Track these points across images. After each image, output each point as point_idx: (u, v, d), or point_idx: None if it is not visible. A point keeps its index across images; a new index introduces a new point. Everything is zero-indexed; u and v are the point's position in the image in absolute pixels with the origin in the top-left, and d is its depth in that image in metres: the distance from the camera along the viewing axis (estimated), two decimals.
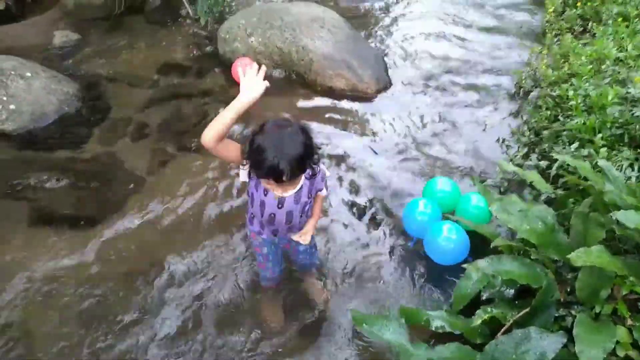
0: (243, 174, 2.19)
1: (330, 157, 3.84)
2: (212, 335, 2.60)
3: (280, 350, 2.55)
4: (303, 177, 2.18)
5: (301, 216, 2.33)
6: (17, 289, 2.83)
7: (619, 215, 2.11)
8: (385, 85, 4.69)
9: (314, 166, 2.09)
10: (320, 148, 2.18)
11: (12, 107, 4.02)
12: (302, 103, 4.51)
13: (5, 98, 4.03)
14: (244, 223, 3.23)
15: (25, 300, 2.78)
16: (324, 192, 2.34)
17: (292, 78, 4.83)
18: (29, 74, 4.27)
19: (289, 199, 2.21)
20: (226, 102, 4.37)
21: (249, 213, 2.43)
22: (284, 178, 1.90)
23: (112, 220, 3.29)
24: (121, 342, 2.57)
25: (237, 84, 1.99)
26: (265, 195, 2.20)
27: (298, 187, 2.20)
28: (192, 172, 3.68)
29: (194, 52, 5.31)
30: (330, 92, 4.63)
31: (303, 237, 2.33)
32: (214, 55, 5.20)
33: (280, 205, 2.22)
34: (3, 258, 3.00)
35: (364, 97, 4.58)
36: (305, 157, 1.97)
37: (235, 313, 2.72)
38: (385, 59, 5.10)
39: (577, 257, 2.04)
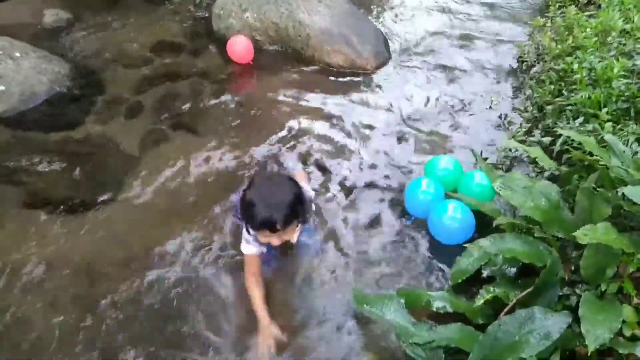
0: (254, 250, 2.43)
1: (328, 135, 3.76)
2: (210, 317, 2.55)
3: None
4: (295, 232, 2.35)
5: None
6: (11, 273, 2.78)
7: (626, 190, 2.04)
8: (384, 60, 4.57)
9: (306, 215, 2.29)
10: (312, 202, 2.40)
11: (1, 88, 3.92)
12: (299, 80, 4.41)
13: None
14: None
15: (19, 283, 2.73)
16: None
17: (288, 54, 4.71)
18: (18, 54, 4.16)
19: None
20: (221, 81, 4.33)
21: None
22: (278, 227, 2.06)
23: (107, 202, 3.22)
24: (117, 327, 2.52)
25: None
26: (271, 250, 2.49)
27: (296, 236, 2.39)
28: (188, 152, 3.60)
29: (189, 30, 5.19)
30: (328, 69, 4.52)
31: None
32: (208, 33, 5.08)
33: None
34: None
35: (363, 73, 4.47)
36: (296, 204, 2.12)
37: (234, 292, 2.67)
38: (385, 33, 4.97)
39: (583, 234, 1.97)
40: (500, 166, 3.33)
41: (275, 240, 2.23)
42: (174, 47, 4.92)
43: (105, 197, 3.25)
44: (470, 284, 2.50)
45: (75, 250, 2.90)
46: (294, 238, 2.41)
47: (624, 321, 1.94)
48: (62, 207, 3.18)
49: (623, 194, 2.15)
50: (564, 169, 2.88)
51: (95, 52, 4.79)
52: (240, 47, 4.54)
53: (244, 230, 2.37)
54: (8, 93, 3.94)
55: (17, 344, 2.45)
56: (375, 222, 3.10)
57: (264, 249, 2.49)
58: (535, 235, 2.34)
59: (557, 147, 3.05)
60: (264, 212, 2.04)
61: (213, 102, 4.15)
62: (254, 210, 2.06)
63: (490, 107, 4.01)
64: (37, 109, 4.03)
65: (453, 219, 2.79)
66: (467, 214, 2.80)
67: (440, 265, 2.82)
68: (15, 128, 3.83)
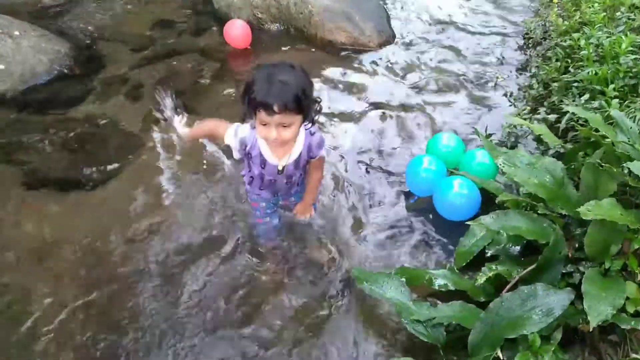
0: (231, 139, 2.17)
1: (331, 113, 3.72)
2: (212, 299, 2.54)
3: (276, 305, 2.50)
4: (302, 136, 2.14)
5: (301, 175, 2.35)
6: (13, 252, 2.78)
7: (632, 165, 2.00)
8: (387, 38, 4.51)
9: (310, 114, 2.02)
10: (320, 102, 2.09)
11: (0, 67, 3.88)
12: (301, 58, 4.34)
13: None
14: (242, 181, 3.15)
15: (20, 262, 2.73)
16: (321, 153, 2.28)
17: (290, 32, 4.65)
18: (17, 33, 4.12)
19: (289, 167, 2.21)
20: (221, 60, 4.27)
21: (247, 175, 2.38)
22: (275, 107, 1.83)
23: (107, 182, 3.20)
24: (117, 306, 2.52)
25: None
26: (264, 167, 2.21)
27: (297, 150, 2.17)
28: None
29: (189, 8, 5.12)
30: (330, 47, 4.47)
31: (305, 215, 2.48)
32: (209, 11, 5.01)
33: (280, 172, 2.22)
34: None
35: (366, 51, 4.41)
36: (299, 92, 1.88)
37: (235, 274, 2.66)
38: (388, 10, 4.89)
39: (588, 210, 1.94)
40: (505, 144, 3.29)
41: (273, 132, 1.94)
42: (174, 25, 4.86)
43: (105, 176, 3.23)
44: (473, 263, 2.48)
45: (76, 229, 2.89)
46: (294, 151, 2.16)
47: (627, 298, 1.92)
48: (62, 186, 3.17)
49: (629, 170, 2.11)
50: (569, 146, 2.83)
51: (95, 31, 4.74)
52: (237, 32, 4.41)
53: (245, 125, 2.15)
54: (7, 72, 3.90)
55: (18, 321, 2.45)
56: (376, 200, 3.08)
57: (240, 153, 2.22)
58: (539, 212, 2.31)
59: (562, 125, 3.00)
60: (263, 90, 1.85)
61: (213, 81, 4.12)
62: (253, 87, 1.88)
63: (496, 85, 3.95)
64: (37, 88, 4.00)
65: (459, 195, 2.75)
66: (473, 190, 2.76)
67: (444, 243, 2.80)
68: (15, 107, 3.81)
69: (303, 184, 2.47)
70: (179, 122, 2.52)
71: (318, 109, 2.07)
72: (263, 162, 2.19)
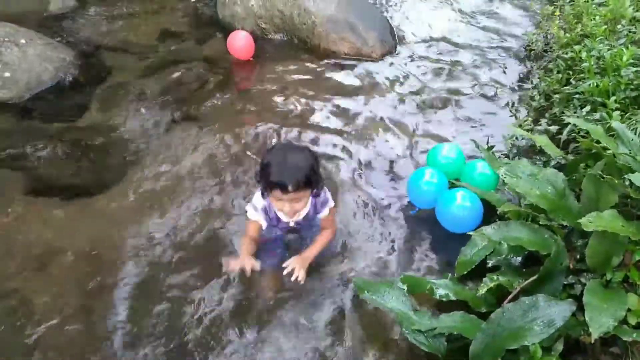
0: (259, 217, 2.44)
1: (333, 123, 3.74)
2: (212, 308, 2.54)
3: (281, 317, 2.50)
4: (309, 200, 2.37)
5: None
6: (15, 258, 2.79)
7: (633, 177, 2.01)
8: (390, 48, 4.54)
9: (318, 186, 2.27)
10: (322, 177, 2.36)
11: (6, 74, 3.92)
12: (304, 69, 4.38)
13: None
14: (246, 189, 3.17)
15: (24, 269, 2.73)
16: (326, 212, 2.52)
17: (294, 43, 4.68)
18: (23, 41, 4.16)
19: (299, 221, 2.51)
20: (225, 70, 4.31)
21: None
22: (290, 187, 2.08)
23: (111, 189, 3.22)
24: (119, 311, 2.52)
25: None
26: (277, 224, 2.53)
27: (305, 210, 2.41)
28: (192, 140, 3.60)
29: (194, 18, 5.17)
30: (333, 57, 4.50)
31: (298, 267, 2.35)
32: (213, 21, 5.06)
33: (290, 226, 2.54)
34: (0, 227, 2.95)
35: (369, 61, 4.44)
36: (310, 171, 2.15)
37: (236, 284, 2.65)
38: (391, 21, 4.92)
39: (589, 221, 1.95)
40: (507, 155, 3.30)
41: (287, 206, 2.22)
42: (179, 35, 4.90)
43: (108, 183, 3.25)
44: (474, 274, 2.48)
45: (79, 236, 2.90)
46: (303, 211, 2.38)
47: (629, 310, 1.93)
48: (65, 193, 3.18)
49: (630, 182, 2.12)
50: (570, 157, 2.85)
51: (101, 39, 4.78)
52: (241, 43, 4.42)
53: (257, 195, 2.42)
54: (13, 80, 3.94)
55: (20, 325, 2.46)
56: (377, 211, 3.07)
57: (267, 222, 2.49)
58: (541, 223, 2.32)
59: (564, 136, 3.02)
60: (278, 172, 2.10)
61: (217, 90, 4.14)
62: (269, 170, 2.12)
63: (496, 95, 3.97)
64: (42, 96, 4.03)
65: (462, 207, 2.75)
66: (475, 203, 2.76)
67: (446, 254, 2.79)
68: (20, 115, 3.84)
69: (311, 223, 2.65)
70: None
71: (322, 184, 2.35)
72: (278, 220, 2.50)
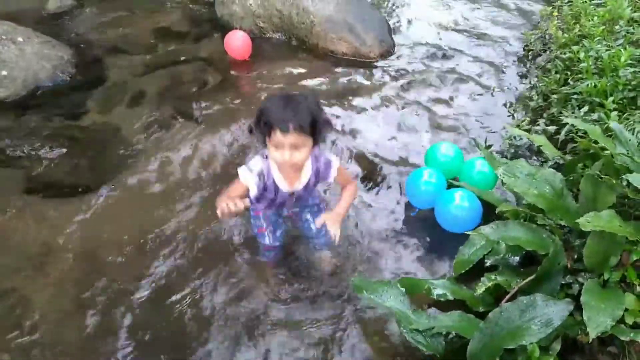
0: (250, 180, 2.14)
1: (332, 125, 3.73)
2: (210, 308, 2.53)
3: (281, 318, 2.50)
4: (310, 161, 2.16)
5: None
6: (13, 257, 2.78)
7: (631, 177, 2.02)
8: (389, 48, 4.54)
9: (321, 136, 2.04)
10: (331, 124, 2.15)
11: (3, 73, 3.91)
12: (302, 68, 4.38)
13: None
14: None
15: (22, 267, 2.73)
16: (333, 173, 2.26)
17: (292, 42, 4.68)
18: (21, 39, 4.15)
19: (299, 191, 2.26)
20: (223, 69, 4.29)
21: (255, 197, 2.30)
22: (291, 125, 1.86)
23: (109, 188, 3.21)
24: (118, 309, 2.52)
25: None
26: (276, 195, 2.23)
27: (307, 176, 2.20)
28: (190, 138, 3.59)
29: (192, 17, 5.16)
30: (331, 57, 4.50)
31: (331, 224, 2.16)
32: (212, 20, 5.05)
33: (291, 196, 2.27)
34: None
35: (367, 61, 4.44)
36: (313, 113, 1.94)
37: (234, 283, 2.65)
38: (389, 21, 4.93)
39: (587, 221, 1.95)
40: (504, 155, 3.30)
41: (286, 153, 1.96)
42: (177, 34, 4.90)
43: (106, 182, 3.24)
44: (472, 274, 2.48)
45: (77, 235, 2.90)
46: (304, 176, 2.19)
47: (626, 309, 1.93)
48: (63, 192, 3.18)
49: (628, 182, 2.12)
50: (568, 157, 2.85)
51: (99, 38, 4.78)
52: (238, 43, 4.41)
53: (256, 158, 2.18)
54: (11, 78, 3.93)
55: (17, 326, 2.45)
56: (377, 210, 3.07)
57: (258, 189, 2.20)
58: (539, 223, 2.32)
59: (561, 136, 3.02)
60: (278, 111, 1.90)
61: (215, 89, 4.14)
62: (268, 111, 1.93)
63: (492, 95, 3.99)
64: (39, 94, 4.03)
65: (460, 207, 2.75)
66: (474, 203, 2.76)
67: (444, 254, 2.79)
68: (18, 113, 3.83)
69: (310, 196, 2.47)
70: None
71: (329, 129, 2.10)
72: (276, 190, 2.23)
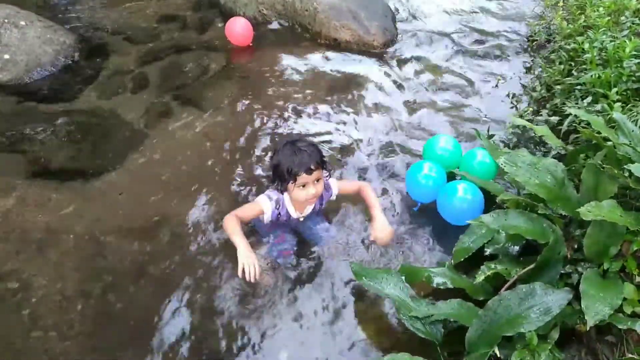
0: (267, 207, 2.52)
1: (333, 112, 3.73)
2: (209, 295, 2.54)
3: (280, 302, 2.51)
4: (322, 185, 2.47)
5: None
6: (15, 241, 2.79)
7: (633, 167, 2.01)
8: (392, 37, 4.51)
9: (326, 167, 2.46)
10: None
11: (6, 56, 3.91)
12: (305, 56, 4.36)
13: None
14: (246, 176, 3.17)
15: (23, 252, 2.74)
16: (335, 192, 2.68)
17: (295, 29, 4.66)
18: (23, 23, 4.13)
19: (308, 215, 2.65)
20: (226, 55, 4.27)
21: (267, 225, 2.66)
22: (312, 166, 2.28)
23: (110, 173, 3.22)
24: (117, 297, 2.53)
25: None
26: (287, 220, 2.61)
27: (314, 204, 2.56)
28: (192, 125, 3.59)
29: (195, 3, 5.13)
30: (335, 44, 4.47)
31: (385, 238, 2.52)
32: (215, 6, 5.02)
33: (302, 220, 2.67)
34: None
35: (371, 50, 4.42)
36: (317, 148, 2.38)
37: (234, 272, 2.64)
38: (394, 9, 4.90)
39: (588, 211, 1.95)
40: (507, 145, 3.30)
41: (311, 188, 2.36)
42: (180, 20, 4.88)
43: (108, 167, 3.25)
44: (472, 263, 2.48)
45: (78, 219, 2.90)
46: (319, 190, 2.44)
47: (625, 299, 1.93)
48: (64, 176, 3.18)
49: (630, 172, 2.12)
50: (570, 148, 2.84)
51: (101, 23, 4.76)
52: (239, 29, 4.38)
53: (273, 190, 2.53)
54: (13, 62, 3.92)
55: (18, 309, 2.47)
56: (379, 201, 3.05)
57: (272, 215, 2.55)
58: (539, 212, 2.32)
59: (564, 127, 3.01)
60: (297, 159, 2.27)
61: (218, 76, 4.13)
62: (287, 164, 2.29)
63: (497, 86, 3.97)
64: (41, 78, 4.02)
65: (463, 199, 2.72)
66: (476, 195, 2.74)
67: (445, 244, 2.78)
68: (20, 97, 3.83)
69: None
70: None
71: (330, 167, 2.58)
72: (288, 216, 2.60)
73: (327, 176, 2.51)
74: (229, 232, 2.41)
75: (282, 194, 2.50)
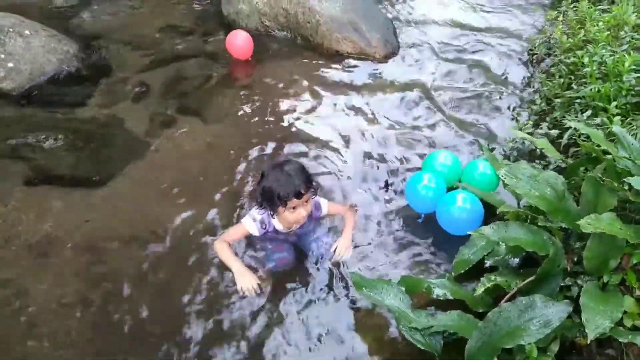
0: (253, 228, 2.56)
1: (333, 123, 3.75)
2: (209, 302, 2.55)
3: (279, 313, 2.51)
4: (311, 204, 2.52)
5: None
6: (14, 248, 2.79)
7: (633, 180, 2.02)
8: (393, 49, 4.55)
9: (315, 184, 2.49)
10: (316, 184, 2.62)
11: (10, 65, 3.93)
12: (307, 68, 4.39)
13: (3, 56, 3.94)
14: (247, 185, 3.18)
15: (22, 258, 2.74)
16: (324, 212, 2.72)
17: (297, 41, 4.69)
18: (28, 32, 4.17)
19: (296, 230, 2.66)
20: (228, 66, 4.29)
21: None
22: (302, 190, 2.31)
23: (112, 181, 3.23)
24: (116, 305, 2.53)
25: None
26: (277, 234, 2.64)
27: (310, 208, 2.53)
28: (194, 133, 3.61)
29: (199, 14, 5.18)
30: (336, 56, 4.50)
31: (344, 252, 2.64)
32: (218, 17, 5.07)
33: (289, 234, 2.68)
34: (0, 216, 2.96)
35: (371, 62, 4.45)
36: (306, 170, 2.40)
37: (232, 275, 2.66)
38: (395, 22, 4.94)
39: (588, 223, 1.95)
40: (507, 157, 3.31)
41: (302, 211, 2.41)
42: (183, 30, 4.91)
43: (109, 175, 3.26)
44: (472, 274, 2.48)
45: (78, 227, 2.91)
46: (308, 210, 2.50)
47: (625, 312, 1.93)
48: (66, 183, 3.20)
49: (629, 185, 2.12)
50: (570, 161, 2.85)
51: (105, 33, 4.80)
52: (240, 43, 4.38)
53: (258, 210, 2.53)
54: (17, 70, 3.95)
55: (17, 316, 2.47)
56: (378, 212, 3.07)
57: (259, 233, 2.59)
58: (539, 224, 2.32)
59: (564, 140, 3.02)
60: (286, 184, 2.30)
61: (220, 86, 4.16)
62: (276, 189, 2.30)
63: (497, 98, 3.99)
64: (44, 87, 4.05)
65: (462, 209, 2.74)
66: (476, 205, 2.76)
67: (445, 255, 2.79)
68: (23, 105, 3.85)
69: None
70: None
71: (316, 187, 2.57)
72: (276, 232, 2.63)
73: (313, 194, 2.51)
74: (222, 258, 2.59)
75: (273, 217, 2.52)
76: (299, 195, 2.32)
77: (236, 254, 2.63)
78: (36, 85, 4.03)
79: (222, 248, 2.57)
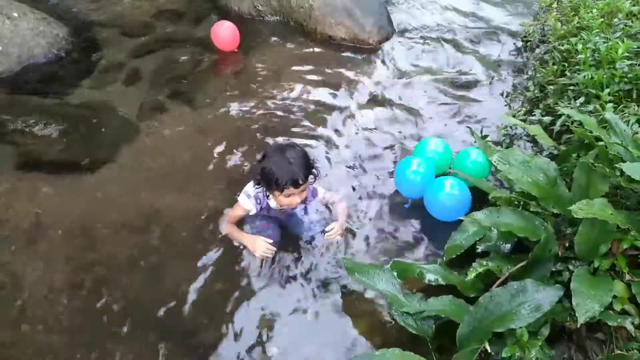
0: (250, 205, 2.59)
1: (326, 108, 3.73)
2: (200, 290, 2.53)
3: (270, 298, 2.51)
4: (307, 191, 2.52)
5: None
6: (4, 232, 2.77)
7: (625, 166, 2.02)
8: (387, 35, 4.52)
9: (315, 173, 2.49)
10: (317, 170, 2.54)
11: None
12: (300, 52, 4.36)
13: None
14: (237, 171, 3.16)
15: (12, 244, 2.72)
16: (320, 198, 2.73)
17: (290, 26, 4.65)
18: (16, 14, 4.10)
19: (287, 209, 2.66)
20: (220, 51, 4.22)
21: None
22: (301, 181, 2.31)
23: (103, 166, 3.21)
24: (106, 290, 2.52)
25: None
26: (268, 211, 2.66)
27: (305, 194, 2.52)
28: (185, 119, 3.58)
29: None
30: (329, 42, 4.47)
31: (335, 236, 2.62)
32: (210, 1, 5.00)
33: (281, 211, 2.68)
34: None
35: (365, 47, 4.42)
36: (308, 160, 2.39)
37: (225, 266, 2.65)
38: (389, 7, 4.90)
39: (579, 208, 1.96)
40: (499, 144, 3.31)
41: (297, 198, 2.42)
42: (174, 14, 4.86)
43: (99, 160, 3.23)
44: (464, 260, 2.49)
45: (69, 212, 2.89)
46: (303, 197, 2.50)
47: (614, 296, 1.95)
48: (56, 168, 3.17)
49: (621, 171, 2.13)
50: (562, 148, 2.86)
51: (95, 16, 4.73)
52: (225, 34, 4.24)
53: (249, 184, 2.56)
54: (5, 53, 3.89)
55: (8, 299, 2.45)
56: (369, 198, 3.06)
57: (256, 209, 2.63)
58: (531, 210, 2.33)
59: (557, 127, 3.03)
60: (286, 172, 2.28)
61: (211, 70, 4.12)
62: (276, 174, 2.29)
63: (490, 84, 3.99)
64: (34, 71, 3.99)
65: (450, 195, 2.75)
66: (464, 191, 2.77)
67: (436, 241, 2.79)
68: (12, 89, 3.80)
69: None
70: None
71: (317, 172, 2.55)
72: (268, 209, 2.66)
73: (313, 181, 2.51)
74: (232, 237, 2.70)
75: (267, 197, 2.54)
76: (296, 185, 2.31)
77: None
78: (25, 68, 3.97)
79: (229, 228, 2.69)
